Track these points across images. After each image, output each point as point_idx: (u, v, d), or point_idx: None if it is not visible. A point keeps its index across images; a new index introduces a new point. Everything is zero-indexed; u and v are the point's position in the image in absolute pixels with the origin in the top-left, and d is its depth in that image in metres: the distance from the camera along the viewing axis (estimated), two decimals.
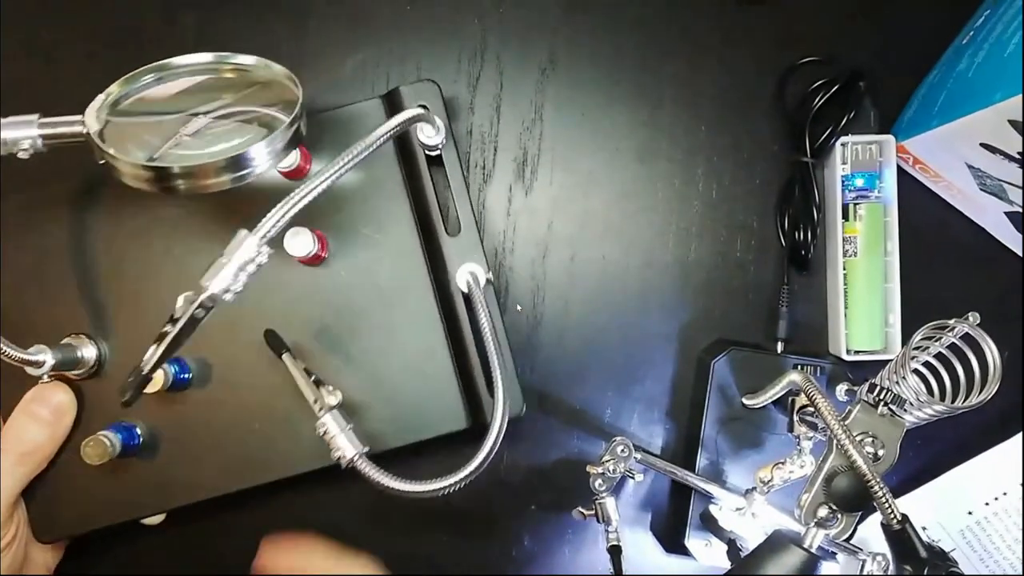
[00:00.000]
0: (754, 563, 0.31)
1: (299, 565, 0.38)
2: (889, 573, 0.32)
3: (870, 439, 0.32)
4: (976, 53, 0.39)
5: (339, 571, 0.38)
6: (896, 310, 0.43)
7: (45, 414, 0.37)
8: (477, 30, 0.46)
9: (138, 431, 0.38)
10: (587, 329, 0.45)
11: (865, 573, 0.33)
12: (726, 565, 0.40)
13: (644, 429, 0.45)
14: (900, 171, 0.44)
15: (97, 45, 0.45)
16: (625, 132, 0.46)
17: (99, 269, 0.39)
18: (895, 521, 0.29)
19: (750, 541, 0.38)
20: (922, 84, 0.44)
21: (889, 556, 0.30)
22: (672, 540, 0.43)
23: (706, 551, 0.41)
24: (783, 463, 0.37)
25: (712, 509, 0.40)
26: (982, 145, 0.38)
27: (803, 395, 0.36)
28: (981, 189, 0.42)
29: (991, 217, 0.44)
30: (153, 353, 0.30)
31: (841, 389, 0.37)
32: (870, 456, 0.31)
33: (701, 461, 0.42)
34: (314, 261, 0.39)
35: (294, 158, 0.38)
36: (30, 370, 0.36)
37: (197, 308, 0.29)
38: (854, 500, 0.31)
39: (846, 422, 0.31)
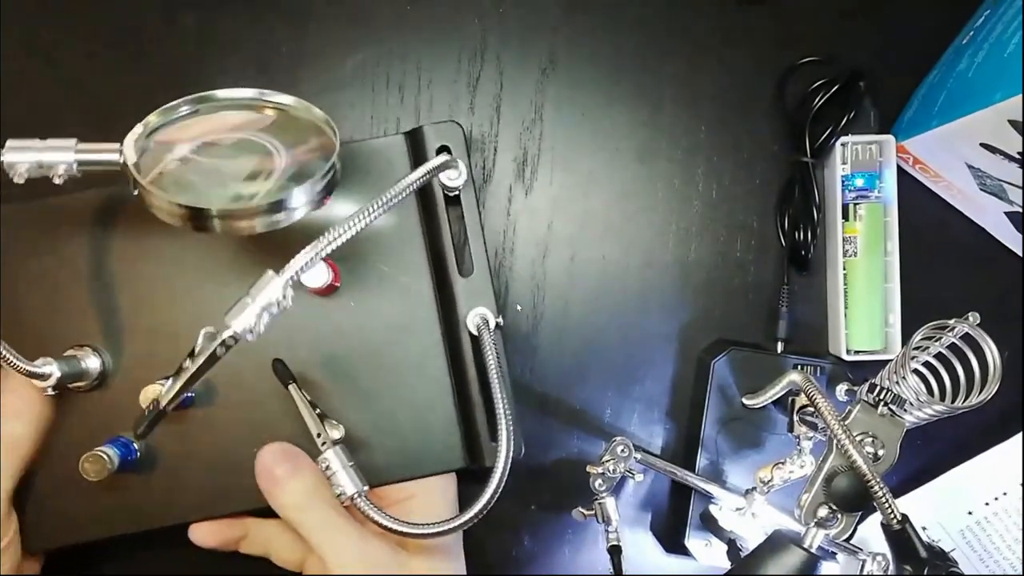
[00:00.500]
0: (754, 563, 0.31)
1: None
2: (889, 573, 0.32)
3: (870, 439, 0.32)
4: (976, 53, 0.39)
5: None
6: (896, 310, 0.43)
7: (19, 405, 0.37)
8: (477, 30, 0.46)
9: (136, 447, 0.37)
10: (587, 329, 0.45)
11: (865, 573, 0.33)
12: (726, 565, 0.40)
13: (644, 429, 0.45)
14: (900, 171, 0.44)
15: (97, 45, 0.45)
16: (625, 132, 0.46)
17: (107, 279, 0.39)
18: (895, 521, 0.29)
19: (750, 541, 0.38)
20: (922, 84, 0.44)
21: (889, 556, 0.30)
22: (672, 540, 0.43)
23: (706, 551, 0.41)
24: (783, 463, 0.37)
25: (712, 509, 0.40)
26: (982, 145, 0.38)
27: (803, 395, 0.36)
28: (981, 189, 0.42)
29: (991, 217, 0.44)
30: (171, 387, 0.30)
31: (841, 389, 0.37)
32: (870, 456, 0.31)
33: (701, 461, 0.42)
34: (327, 292, 0.39)
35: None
36: (36, 382, 0.36)
37: (218, 346, 0.29)
38: (854, 500, 0.31)
39: (846, 422, 0.31)
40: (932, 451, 0.45)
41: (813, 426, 0.37)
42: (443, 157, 0.36)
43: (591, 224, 0.46)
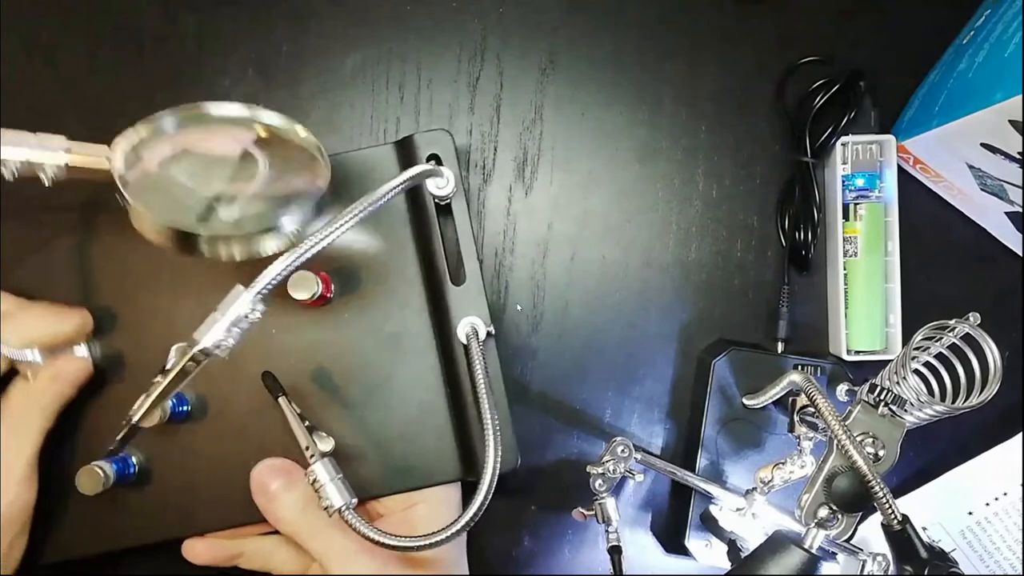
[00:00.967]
0: (754, 563, 0.31)
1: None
2: (889, 573, 0.32)
3: (870, 439, 0.32)
4: (976, 53, 0.39)
5: None
6: (896, 310, 0.43)
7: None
8: (477, 30, 0.46)
9: (133, 461, 0.37)
10: (587, 329, 0.45)
11: (865, 573, 0.33)
12: (726, 565, 0.40)
13: (644, 429, 0.45)
14: (901, 171, 0.44)
15: (97, 45, 0.45)
16: (625, 132, 0.46)
17: (102, 275, 0.39)
18: (895, 521, 0.29)
19: (750, 541, 0.38)
20: (922, 84, 0.44)
21: (889, 556, 0.30)
22: (672, 540, 0.43)
23: (706, 551, 0.41)
24: (783, 463, 0.37)
25: (712, 509, 0.40)
26: (983, 145, 0.38)
27: (803, 395, 0.36)
28: (982, 189, 0.42)
29: (992, 217, 0.44)
30: (142, 403, 0.30)
31: (841, 389, 0.37)
32: (870, 456, 0.31)
33: (701, 461, 0.42)
34: (318, 303, 0.38)
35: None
36: (22, 368, 0.36)
37: (188, 361, 0.29)
38: (854, 500, 0.31)
39: (846, 422, 0.31)
40: (933, 451, 0.45)
41: (813, 426, 0.37)
42: (421, 167, 0.35)
43: (591, 224, 0.46)
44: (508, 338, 0.45)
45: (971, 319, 0.31)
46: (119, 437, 0.31)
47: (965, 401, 0.31)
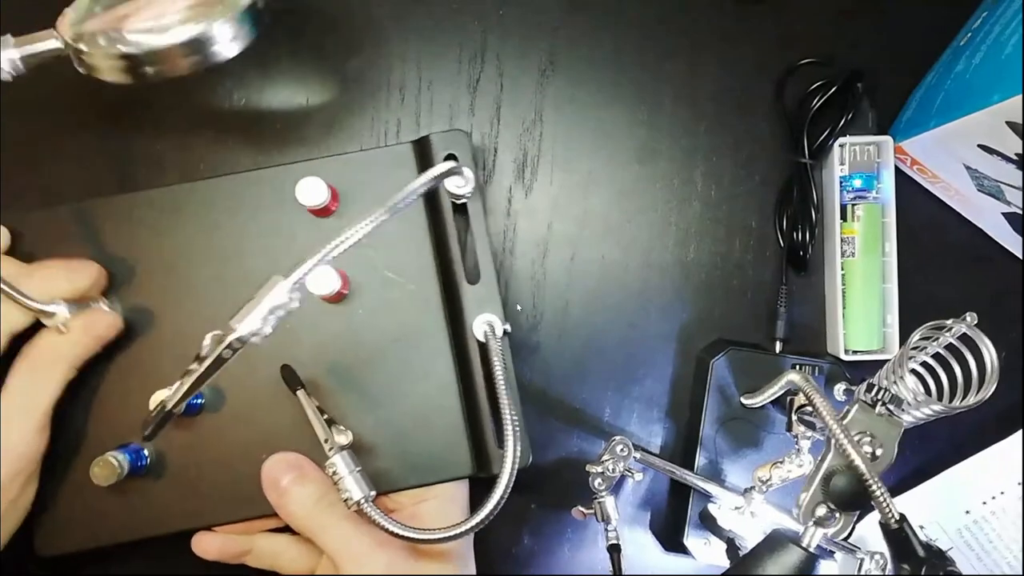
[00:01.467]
0: (753, 562, 0.31)
1: None
2: (887, 572, 0.32)
3: (868, 438, 0.32)
4: (974, 54, 0.40)
5: None
6: (894, 310, 0.43)
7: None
8: (477, 30, 0.46)
9: (146, 452, 0.38)
10: (587, 329, 0.45)
11: (863, 572, 0.33)
12: (725, 564, 0.40)
13: (643, 428, 0.46)
14: (898, 172, 0.44)
15: None
16: (625, 132, 0.46)
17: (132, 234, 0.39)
18: (893, 520, 0.29)
19: (749, 540, 0.38)
20: (920, 85, 0.45)
21: (887, 555, 0.31)
22: (671, 539, 0.43)
23: (705, 550, 0.41)
24: (782, 462, 0.37)
25: (711, 508, 0.41)
26: (980, 146, 0.38)
27: (801, 395, 0.36)
28: (979, 190, 0.42)
29: (989, 218, 0.44)
30: (177, 390, 0.30)
31: (839, 389, 0.37)
32: (868, 455, 0.31)
33: (700, 460, 0.42)
34: (336, 299, 0.39)
35: (324, 196, 0.38)
36: (45, 320, 0.36)
37: (225, 349, 0.29)
38: (852, 499, 0.31)
39: (844, 421, 0.31)
40: (930, 450, 0.45)
41: (811, 425, 0.37)
42: (449, 163, 0.36)
43: (591, 224, 0.46)
44: (508, 338, 0.45)
45: (968, 319, 0.32)
46: (153, 424, 0.31)
47: (962, 401, 0.31)
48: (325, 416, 0.35)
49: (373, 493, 0.33)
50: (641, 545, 0.45)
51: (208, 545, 0.38)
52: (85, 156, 0.45)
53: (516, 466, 0.33)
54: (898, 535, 0.29)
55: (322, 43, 0.46)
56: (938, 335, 0.32)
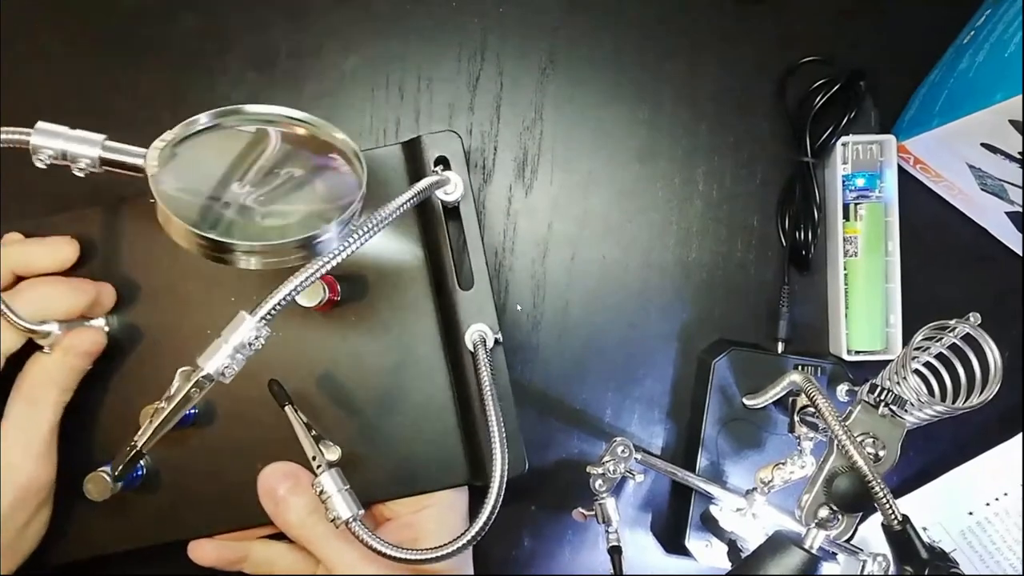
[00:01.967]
0: (755, 564, 0.31)
1: None
2: (890, 573, 0.32)
3: (871, 439, 0.32)
4: (977, 53, 0.39)
5: None
6: (897, 310, 0.43)
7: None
8: (477, 30, 0.46)
9: (140, 465, 0.37)
10: (587, 329, 0.45)
11: (866, 573, 0.33)
12: (727, 566, 0.40)
13: (644, 429, 0.45)
14: (901, 171, 0.44)
15: (98, 46, 0.45)
16: (625, 132, 0.46)
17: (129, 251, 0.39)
18: (896, 522, 0.29)
19: (751, 542, 0.38)
20: (923, 84, 0.44)
21: (890, 556, 0.30)
22: (672, 541, 0.43)
23: (707, 552, 0.41)
24: (784, 463, 0.37)
25: (712, 510, 0.40)
26: (983, 145, 0.38)
27: (804, 395, 0.36)
28: (982, 189, 0.42)
29: (992, 217, 0.44)
30: (146, 429, 0.30)
31: (842, 389, 0.37)
32: (871, 457, 0.31)
33: (701, 461, 0.42)
34: (326, 308, 0.38)
35: None
36: (37, 340, 0.36)
37: (192, 388, 0.28)
38: (855, 501, 0.31)
39: (847, 422, 0.31)
40: (933, 452, 0.45)
41: (814, 426, 0.37)
42: (428, 180, 0.35)
43: (591, 224, 0.46)
44: (508, 338, 0.45)
45: (971, 319, 0.31)
46: (124, 462, 0.31)
47: (965, 401, 0.31)
48: (313, 432, 0.34)
49: (361, 512, 0.33)
50: (642, 547, 0.45)
51: (204, 552, 0.38)
52: None
53: (504, 480, 0.32)
54: (901, 537, 0.29)
55: (322, 41, 0.46)
56: (941, 335, 0.32)
